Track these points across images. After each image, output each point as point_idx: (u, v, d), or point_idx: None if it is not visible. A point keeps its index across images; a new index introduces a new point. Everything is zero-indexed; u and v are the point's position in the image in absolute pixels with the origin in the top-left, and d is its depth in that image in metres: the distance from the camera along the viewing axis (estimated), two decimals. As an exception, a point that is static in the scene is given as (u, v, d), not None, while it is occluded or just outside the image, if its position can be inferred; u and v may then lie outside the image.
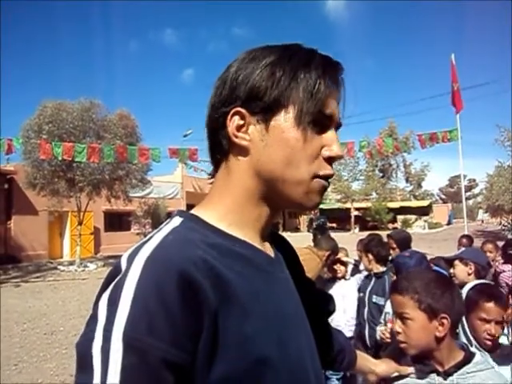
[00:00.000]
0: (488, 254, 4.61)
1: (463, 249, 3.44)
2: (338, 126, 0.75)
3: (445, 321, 1.28)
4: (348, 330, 3.63)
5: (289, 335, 0.68)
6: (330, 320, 1.10)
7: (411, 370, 1.28)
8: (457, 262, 2.89)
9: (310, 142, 0.69)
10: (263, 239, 0.75)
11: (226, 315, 0.58)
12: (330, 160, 0.72)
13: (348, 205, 37.62)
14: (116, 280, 0.57)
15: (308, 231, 25.44)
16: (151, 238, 0.63)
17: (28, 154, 13.64)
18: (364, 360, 1.21)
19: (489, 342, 1.79)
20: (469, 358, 1.30)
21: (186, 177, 26.55)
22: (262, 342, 0.61)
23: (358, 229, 34.79)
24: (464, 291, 1.94)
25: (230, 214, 0.71)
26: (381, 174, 45.00)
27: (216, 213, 0.71)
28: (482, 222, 41.59)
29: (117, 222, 22.37)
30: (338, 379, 3.62)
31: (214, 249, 0.63)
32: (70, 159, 10.93)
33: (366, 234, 4.67)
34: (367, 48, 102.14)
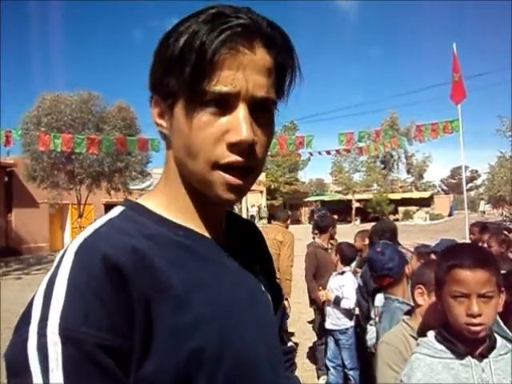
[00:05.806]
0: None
1: (437, 241, 3.43)
2: (260, 102, 0.61)
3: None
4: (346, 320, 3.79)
5: (235, 325, 0.64)
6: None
7: None
8: (432, 256, 2.85)
9: (205, 129, 0.60)
10: (215, 227, 0.71)
11: (159, 307, 0.56)
12: (234, 146, 0.60)
13: (349, 196, 37.59)
14: (49, 275, 0.56)
15: (309, 223, 25.42)
16: (85, 230, 0.62)
17: (27, 147, 13.62)
18: None
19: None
20: (495, 340, 1.31)
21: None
22: (199, 333, 0.58)
23: (359, 220, 34.78)
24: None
25: (174, 201, 0.69)
26: (382, 166, 44.91)
27: (162, 200, 0.69)
28: (484, 213, 41.54)
29: (117, 214, 22.29)
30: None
31: (151, 239, 0.61)
32: (69, 151, 10.89)
33: (367, 225, 4.64)
34: (373, 38, 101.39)
